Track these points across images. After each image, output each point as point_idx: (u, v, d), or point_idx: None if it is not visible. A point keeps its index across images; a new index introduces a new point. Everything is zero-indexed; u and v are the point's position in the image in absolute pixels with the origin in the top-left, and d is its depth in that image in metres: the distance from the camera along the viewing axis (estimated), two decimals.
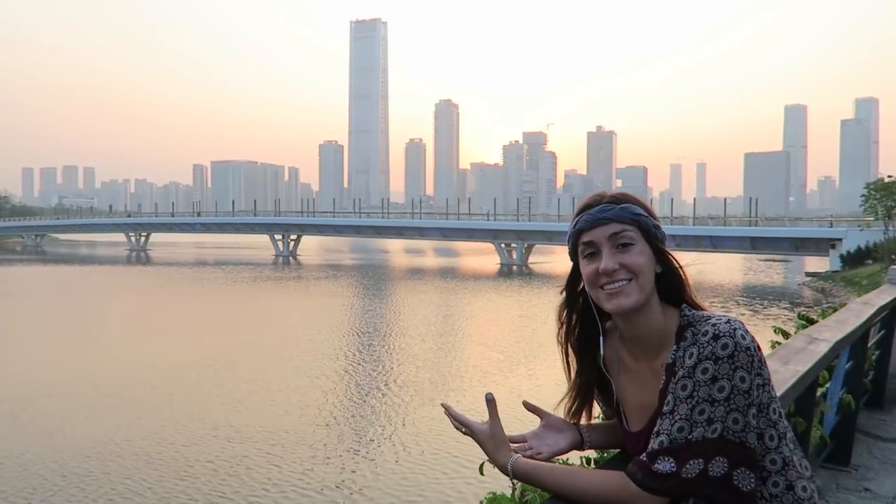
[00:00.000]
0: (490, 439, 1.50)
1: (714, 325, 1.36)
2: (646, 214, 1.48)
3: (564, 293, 1.61)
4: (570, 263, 1.56)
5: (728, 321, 1.36)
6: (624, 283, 1.43)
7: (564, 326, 1.62)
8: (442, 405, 1.60)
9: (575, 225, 1.50)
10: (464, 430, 1.55)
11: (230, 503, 10.79)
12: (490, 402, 1.52)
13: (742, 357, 1.31)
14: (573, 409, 1.65)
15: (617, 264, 1.43)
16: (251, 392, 17.50)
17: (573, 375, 1.64)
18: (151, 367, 20.15)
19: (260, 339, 25.33)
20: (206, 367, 20.19)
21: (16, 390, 17.40)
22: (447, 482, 11.51)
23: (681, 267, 1.51)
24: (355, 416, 15.78)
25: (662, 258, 1.49)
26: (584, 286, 1.54)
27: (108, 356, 22.16)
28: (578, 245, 1.50)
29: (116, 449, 13.04)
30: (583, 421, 1.66)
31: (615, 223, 1.45)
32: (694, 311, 1.47)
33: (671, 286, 1.50)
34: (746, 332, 1.35)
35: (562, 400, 1.67)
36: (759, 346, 1.36)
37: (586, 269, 1.49)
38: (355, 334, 27.76)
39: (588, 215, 1.48)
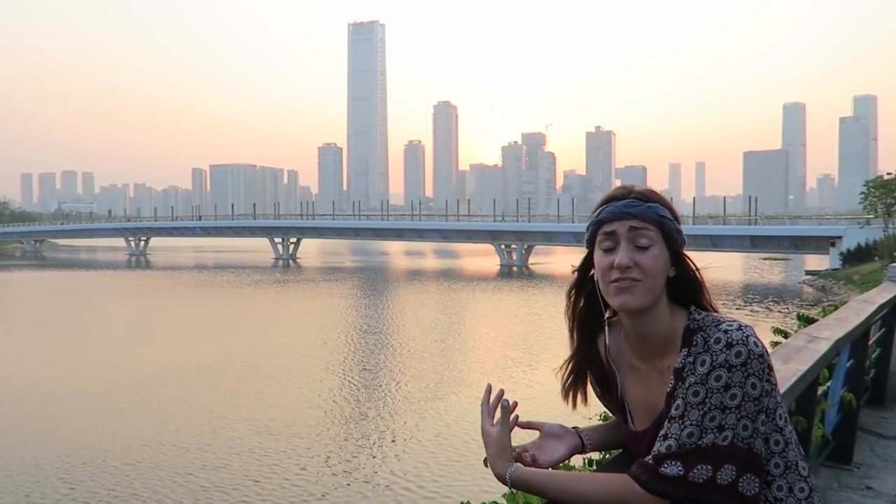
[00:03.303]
0: (495, 443, 1.49)
1: (726, 332, 1.35)
2: (670, 218, 1.47)
3: (577, 275, 1.60)
4: (570, 265, 1.58)
5: (739, 328, 1.36)
6: (634, 282, 1.43)
7: (571, 305, 1.62)
8: (488, 385, 1.58)
9: (598, 214, 1.49)
10: (483, 417, 1.55)
11: (263, 489, 11.36)
12: (505, 409, 1.52)
13: (755, 364, 1.32)
14: (565, 384, 1.64)
15: (632, 262, 1.42)
16: (276, 390, 17.99)
17: (571, 352, 1.66)
18: (178, 369, 20.49)
19: (277, 341, 25.64)
20: (230, 368, 20.61)
21: (56, 392, 17.73)
22: (470, 475, 11.70)
23: (698, 270, 1.51)
24: (380, 412, 16.16)
25: (679, 262, 1.49)
26: (594, 273, 1.53)
27: (133, 358, 22.38)
28: (597, 234, 1.49)
29: (158, 444, 13.59)
30: (570, 401, 1.65)
31: (638, 220, 1.44)
32: (703, 313, 1.46)
33: (684, 289, 1.50)
34: (757, 338, 1.36)
35: (557, 371, 1.68)
36: (767, 352, 1.36)
37: (601, 260, 1.48)
38: (370, 334, 28.02)
39: (613, 207, 1.47)
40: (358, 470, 12.27)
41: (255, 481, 11.63)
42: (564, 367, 1.66)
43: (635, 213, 1.44)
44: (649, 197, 1.48)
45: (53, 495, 11.01)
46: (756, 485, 1.31)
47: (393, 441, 13.71)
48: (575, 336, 1.63)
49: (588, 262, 1.55)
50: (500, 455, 1.47)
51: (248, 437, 13.95)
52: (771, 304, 37.47)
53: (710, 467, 1.29)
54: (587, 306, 1.59)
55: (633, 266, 1.42)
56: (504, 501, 2.11)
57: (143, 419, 15.29)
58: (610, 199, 1.49)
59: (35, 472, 11.98)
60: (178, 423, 14.91)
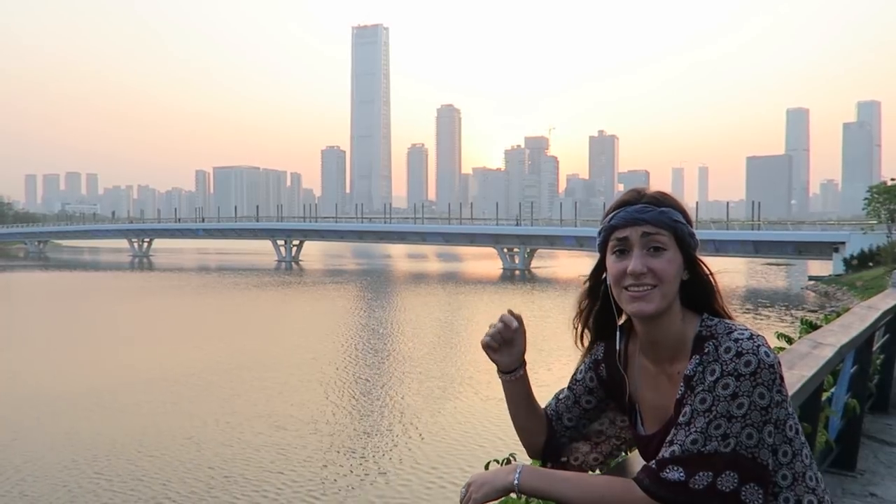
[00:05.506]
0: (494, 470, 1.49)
1: (737, 340, 1.35)
2: (683, 221, 1.45)
3: (588, 283, 1.59)
4: (572, 268, 1.60)
5: (751, 336, 1.35)
6: (648, 288, 1.42)
7: (583, 313, 1.62)
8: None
9: (610, 219, 1.48)
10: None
11: (291, 480, 11.72)
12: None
13: (764, 374, 1.31)
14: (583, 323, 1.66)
15: (645, 268, 1.41)
16: (295, 388, 18.33)
17: (587, 343, 1.66)
18: (195, 368, 20.70)
19: (289, 341, 25.84)
20: (246, 368, 20.84)
21: (78, 391, 17.90)
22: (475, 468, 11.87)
23: (712, 274, 1.49)
24: (403, 410, 16.39)
25: (693, 265, 1.47)
26: (606, 277, 1.52)
27: (150, 358, 22.49)
28: (609, 240, 1.48)
29: (182, 439, 13.98)
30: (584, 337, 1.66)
31: (651, 225, 1.42)
32: (715, 320, 1.44)
33: (696, 293, 1.48)
34: (769, 347, 1.35)
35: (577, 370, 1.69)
36: (780, 362, 1.35)
37: (613, 266, 1.46)
38: (380, 336, 28.17)
39: (625, 212, 1.45)
40: (380, 464, 12.58)
41: (280, 473, 12.00)
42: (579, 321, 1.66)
43: (648, 219, 1.42)
44: (662, 201, 1.45)
45: (93, 487, 11.45)
46: (760, 496, 1.30)
47: (422, 438, 14.05)
48: (591, 336, 1.63)
49: (600, 267, 1.54)
50: (500, 470, 1.45)
51: (269, 433, 14.30)
52: (774, 309, 37.40)
53: (710, 474, 1.28)
54: (600, 311, 1.59)
55: (646, 272, 1.41)
56: None
57: (166, 416, 15.63)
58: (622, 204, 1.47)
59: (73, 466, 12.39)
60: (201, 420, 15.27)
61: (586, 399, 1.67)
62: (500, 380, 1.65)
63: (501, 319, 1.60)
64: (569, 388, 1.70)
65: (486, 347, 1.61)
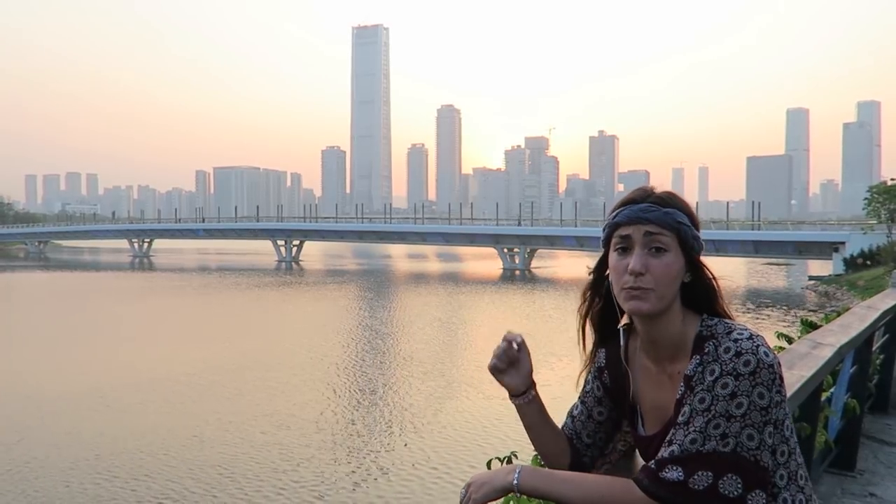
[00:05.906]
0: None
1: (736, 340, 1.35)
2: (688, 224, 1.46)
3: (592, 275, 1.60)
4: (573, 268, 1.58)
5: (750, 336, 1.36)
6: (646, 289, 1.42)
7: (587, 303, 1.62)
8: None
9: (614, 217, 1.48)
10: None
11: (300, 477, 11.92)
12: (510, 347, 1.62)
13: (764, 374, 1.31)
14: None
15: (645, 268, 1.41)
16: (298, 388, 18.49)
17: (591, 347, 1.66)
18: (199, 368, 20.83)
19: (292, 341, 25.95)
20: (248, 368, 20.97)
21: (81, 391, 17.97)
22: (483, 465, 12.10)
23: (715, 279, 1.50)
24: (403, 409, 16.51)
25: (696, 268, 1.48)
26: (609, 273, 1.53)
27: (154, 358, 22.55)
28: (612, 237, 1.49)
29: (186, 438, 14.12)
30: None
31: (654, 225, 1.43)
32: (716, 320, 1.45)
33: (698, 295, 1.49)
34: (769, 347, 1.35)
35: (580, 373, 1.70)
36: (779, 363, 1.35)
37: (615, 263, 1.47)
38: (382, 336, 28.22)
39: (629, 210, 1.45)
40: (383, 463, 12.71)
41: (284, 472, 12.11)
42: (586, 369, 1.68)
43: (651, 219, 1.43)
44: (668, 201, 1.46)
45: (98, 486, 11.57)
46: (763, 502, 1.31)
47: (424, 437, 14.19)
48: (594, 332, 1.64)
49: (603, 263, 1.55)
50: (499, 470, 1.45)
51: (273, 432, 14.41)
52: (774, 309, 37.42)
53: (710, 474, 1.28)
54: (603, 308, 1.59)
55: (645, 273, 1.42)
56: None
57: (169, 416, 15.71)
58: (628, 202, 1.48)
59: (77, 466, 12.48)
60: (205, 419, 15.37)
61: (598, 411, 1.66)
62: (514, 406, 1.64)
63: (505, 339, 1.60)
64: (581, 401, 1.70)
65: (494, 370, 1.61)
